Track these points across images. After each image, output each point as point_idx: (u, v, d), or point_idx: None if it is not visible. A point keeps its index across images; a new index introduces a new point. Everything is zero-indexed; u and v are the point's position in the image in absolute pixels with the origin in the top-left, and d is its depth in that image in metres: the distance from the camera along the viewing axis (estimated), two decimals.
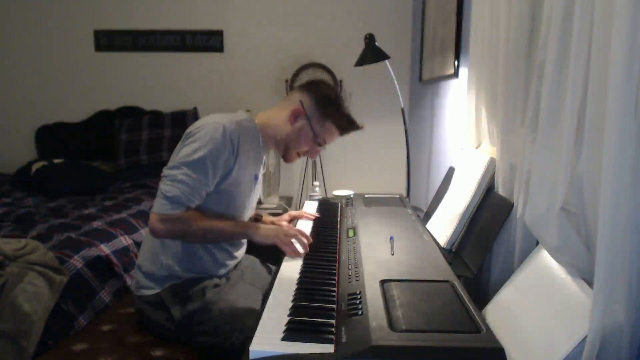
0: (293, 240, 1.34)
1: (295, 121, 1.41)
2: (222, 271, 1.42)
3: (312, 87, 1.44)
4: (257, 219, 1.70)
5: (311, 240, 1.37)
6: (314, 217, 1.70)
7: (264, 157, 1.54)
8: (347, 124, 1.45)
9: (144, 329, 1.38)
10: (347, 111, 1.45)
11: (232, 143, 1.30)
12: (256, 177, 1.48)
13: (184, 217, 1.27)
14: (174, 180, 1.26)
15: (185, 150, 1.28)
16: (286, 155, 1.49)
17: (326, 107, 1.41)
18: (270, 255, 1.45)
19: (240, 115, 1.43)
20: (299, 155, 1.49)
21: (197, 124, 1.33)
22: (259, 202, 2.77)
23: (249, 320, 1.24)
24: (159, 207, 1.26)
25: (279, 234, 1.34)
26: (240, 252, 1.53)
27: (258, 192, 1.57)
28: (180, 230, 1.29)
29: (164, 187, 1.27)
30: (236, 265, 1.51)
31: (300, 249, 1.33)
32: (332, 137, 1.47)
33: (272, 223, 1.66)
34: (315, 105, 1.41)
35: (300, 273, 1.19)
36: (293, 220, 1.71)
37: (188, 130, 1.34)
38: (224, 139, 1.28)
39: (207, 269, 1.38)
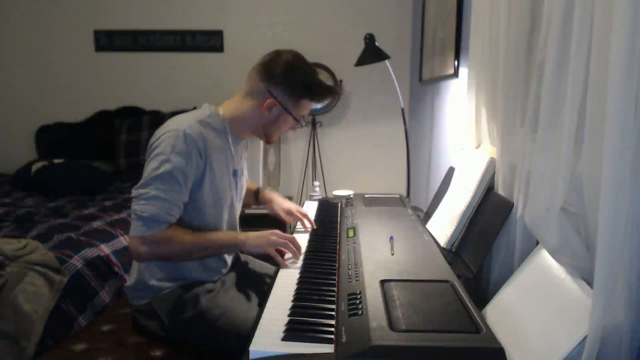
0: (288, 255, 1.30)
1: (270, 111, 1.34)
2: (215, 277, 1.38)
3: (273, 74, 1.33)
4: (257, 191, 1.69)
5: (301, 251, 1.32)
6: (310, 229, 1.59)
7: (243, 148, 1.48)
8: (322, 94, 1.40)
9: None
10: (317, 79, 1.37)
11: (197, 146, 1.24)
12: (235, 172, 1.41)
13: (166, 237, 1.20)
14: (147, 199, 1.19)
15: (151, 165, 1.22)
16: (268, 140, 1.43)
17: (298, 89, 1.33)
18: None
19: (204, 111, 1.36)
20: (281, 134, 1.46)
21: (157, 133, 1.27)
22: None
23: (246, 325, 1.21)
24: (137, 229, 1.19)
25: (270, 242, 1.28)
26: (232, 256, 1.49)
27: (244, 186, 1.52)
28: (163, 252, 1.23)
29: (138, 207, 1.19)
30: (231, 268, 1.48)
31: (291, 262, 1.28)
32: (308, 108, 1.42)
33: (271, 201, 1.67)
34: (287, 93, 1.33)
35: (300, 273, 1.19)
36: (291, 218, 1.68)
37: (151, 140, 1.27)
38: (187, 145, 1.22)
39: (198, 277, 1.34)
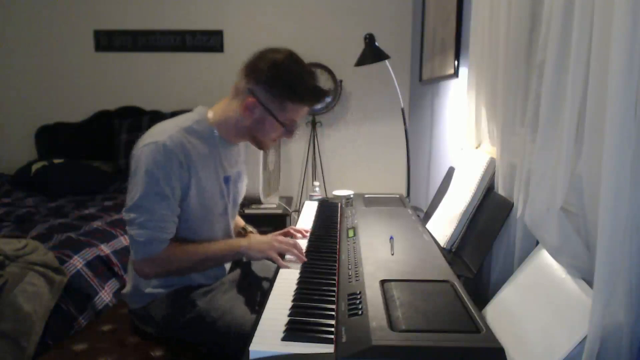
0: (288, 256, 1.28)
1: (252, 113, 1.25)
2: (212, 281, 1.36)
3: (257, 72, 1.23)
4: (240, 233, 1.58)
5: (304, 255, 1.28)
6: (305, 235, 1.54)
7: (238, 152, 1.42)
8: (311, 97, 1.28)
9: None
10: (307, 79, 1.25)
11: (178, 158, 1.19)
12: (227, 179, 1.35)
13: (167, 256, 1.20)
14: (139, 224, 1.17)
15: (135, 185, 1.19)
16: (259, 145, 1.34)
17: (281, 90, 1.22)
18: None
19: (192, 116, 1.30)
20: (274, 140, 1.35)
21: (139, 143, 1.23)
22: (259, 202, 2.76)
23: (246, 325, 1.21)
24: (137, 253, 1.19)
25: (272, 248, 1.27)
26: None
27: (240, 191, 1.46)
28: (168, 269, 1.24)
29: (134, 232, 1.18)
30: (229, 269, 1.47)
31: (294, 261, 1.26)
32: (299, 113, 1.29)
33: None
34: (268, 92, 1.23)
35: (301, 273, 1.19)
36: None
37: (133, 150, 1.22)
38: (168, 158, 1.17)
39: (196, 281, 1.33)
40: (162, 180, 1.18)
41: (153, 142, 1.19)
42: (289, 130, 1.30)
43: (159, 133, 1.21)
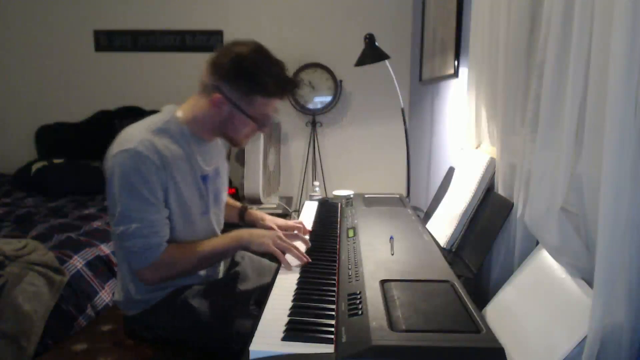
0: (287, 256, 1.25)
1: (220, 109, 1.21)
2: (203, 280, 1.35)
3: (221, 67, 1.20)
4: (242, 210, 1.59)
5: (306, 256, 1.24)
6: (308, 233, 1.51)
7: (216, 147, 1.39)
8: (279, 89, 1.23)
9: None
10: (273, 71, 1.21)
11: (153, 161, 1.15)
12: (206, 178, 1.31)
13: (168, 259, 1.19)
14: (132, 234, 1.15)
15: (115, 197, 1.15)
16: (232, 142, 1.32)
17: (247, 84, 1.19)
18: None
19: (161, 116, 1.26)
20: (247, 136, 1.31)
21: (109, 152, 1.19)
22: (259, 202, 2.76)
23: (245, 322, 1.21)
24: (137, 263, 1.18)
25: (275, 243, 1.24)
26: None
27: (220, 188, 1.42)
28: (171, 273, 1.22)
29: (128, 244, 1.16)
30: (229, 268, 1.47)
31: (295, 261, 1.23)
32: (270, 107, 1.26)
33: (263, 220, 1.56)
34: (234, 87, 1.19)
35: (301, 273, 1.18)
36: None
37: (105, 162, 1.20)
38: (142, 162, 1.14)
39: (189, 282, 1.32)
40: (142, 186, 1.14)
41: (124, 150, 1.15)
42: (261, 125, 1.27)
43: (128, 140, 1.17)
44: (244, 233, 1.29)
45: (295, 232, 1.48)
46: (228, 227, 1.44)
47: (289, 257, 1.24)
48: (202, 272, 1.36)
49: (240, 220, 1.62)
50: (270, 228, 1.50)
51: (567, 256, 0.91)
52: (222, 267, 1.46)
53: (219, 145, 1.44)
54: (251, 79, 1.19)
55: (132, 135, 1.18)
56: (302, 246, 1.35)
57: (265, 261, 1.57)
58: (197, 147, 1.29)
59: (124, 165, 1.14)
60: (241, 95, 1.21)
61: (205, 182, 1.32)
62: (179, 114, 1.28)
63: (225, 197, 1.48)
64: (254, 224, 1.59)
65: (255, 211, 1.62)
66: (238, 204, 1.65)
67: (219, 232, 1.44)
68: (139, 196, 1.15)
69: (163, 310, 1.28)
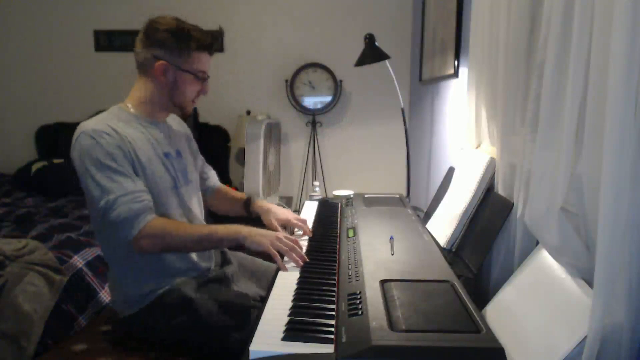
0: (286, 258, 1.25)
1: (166, 75, 1.32)
2: (198, 273, 1.36)
3: (153, 37, 1.33)
4: (248, 201, 1.61)
5: (304, 258, 1.25)
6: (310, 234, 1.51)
7: (172, 128, 1.45)
8: (209, 40, 1.36)
9: None
10: (197, 28, 1.37)
11: (111, 136, 1.22)
12: (168, 155, 1.36)
13: (161, 226, 1.22)
14: (112, 206, 1.17)
15: (88, 177, 1.20)
16: (182, 109, 1.39)
17: (179, 42, 1.32)
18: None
19: (110, 110, 1.35)
20: (193, 102, 1.40)
21: (72, 145, 1.24)
22: None
23: (245, 317, 1.21)
24: (128, 232, 1.19)
25: (273, 244, 1.24)
26: (212, 253, 1.47)
27: (187, 168, 1.44)
28: (164, 242, 1.23)
29: (112, 217, 1.18)
30: (222, 265, 1.47)
31: (293, 263, 1.23)
32: (203, 60, 1.37)
33: (268, 211, 1.57)
34: (170, 48, 1.31)
35: (301, 273, 1.18)
36: (288, 227, 1.58)
37: (71, 153, 1.24)
38: (101, 137, 1.20)
39: (182, 275, 1.33)
40: (106, 158, 1.19)
41: (80, 134, 1.22)
42: (201, 79, 1.37)
43: (80, 128, 1.24)
44: (243, 228, 1.29)
45: (298, 232, 1.49)
46: (233, 220, 1.44)
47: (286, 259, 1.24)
48: (195, 259, 1.36)
49: (246, 211, 1.63)
50: (275, 229, 1.50)
51: (567, 256, 0.91)
52: (212, 264, 1.45)
53: (175, 130, 1.47)
54: (183, 37, 1.32)
55: (86, 124, 1.25)
56: (303, 242, 1.37)
57: (259, 261, 1.58)
58: (151, 129, 1.35)
59: (84, 145, 1.20)
60: (179, 54, 1.32)
61: (169, 158, 1.37)
62: (127, 103, 1.37)
63: (196, 177, 1.51)
64: (259, 214, 1.61)
65: (261, 202, 1.63)
66: (243, 194, 1.66)
67: (197, 212, 1.45)
68: (107, 167, 1.19)
69: (158, 309, 1.28)
